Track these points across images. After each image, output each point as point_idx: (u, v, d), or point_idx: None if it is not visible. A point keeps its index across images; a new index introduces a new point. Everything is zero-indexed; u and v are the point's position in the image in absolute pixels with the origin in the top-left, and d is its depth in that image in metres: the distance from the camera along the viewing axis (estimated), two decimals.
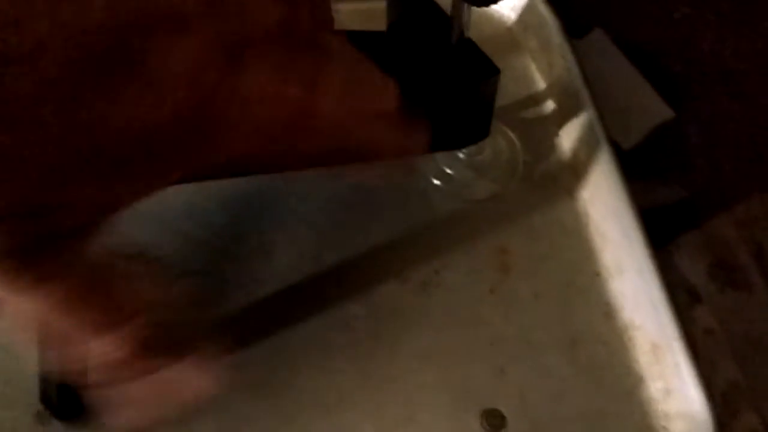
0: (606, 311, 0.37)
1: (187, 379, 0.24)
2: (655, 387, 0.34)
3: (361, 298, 0.36)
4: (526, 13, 0.45)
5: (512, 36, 0.46)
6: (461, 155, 0.40)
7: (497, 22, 0.47)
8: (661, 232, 1.15)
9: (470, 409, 0.33)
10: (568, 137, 0.42)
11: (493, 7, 0.46)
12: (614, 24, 1.19)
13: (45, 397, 0.31)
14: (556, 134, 0.42)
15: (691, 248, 1.17)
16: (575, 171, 0.41)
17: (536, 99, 0.44)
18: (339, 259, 0.37)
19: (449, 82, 0.35)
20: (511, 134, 0.41)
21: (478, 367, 0.34)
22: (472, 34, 0.35)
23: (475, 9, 0.34)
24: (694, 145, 1.21)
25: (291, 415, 0.32)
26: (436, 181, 0.39)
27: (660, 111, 1.12)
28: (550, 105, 0.43)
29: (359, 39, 0.37)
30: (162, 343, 0.23)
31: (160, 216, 0.37)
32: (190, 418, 0.32)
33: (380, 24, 0.37)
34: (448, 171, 0.40)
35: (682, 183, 1.18)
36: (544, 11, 0.44)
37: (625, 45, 1.16)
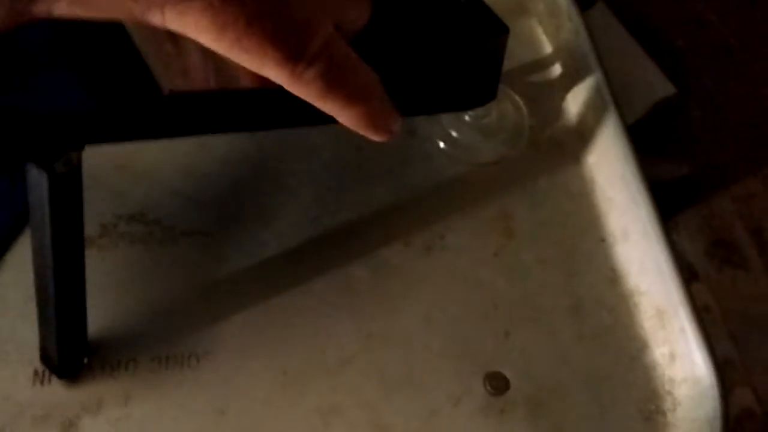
0: (611, 277, 0.36)
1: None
2: (660, 352, 0.34)
3: (365, 261, 0.35)
4: None
5: (521, 0, 0.45)
6: (467, 118, 0.39)
7: None
8: (661, 209, 1.15)
9: (474, 372, 0.33)
10: (574, 101, 0.41)
11: None
12: None
13: (45, 356, 0.31)
14: (563, 98, 0.41)
15: (690, 226, 1.17)
16: (582, 135, 0.40)
17: (543, 63, 0.43)
18: (341, 221, 0.36)
19: (457, 40, 0.34)
20: (518, 98, 0.41)
21: (481, 330, 0.34)
22: None
23: None
24: (695, 121, 1.20)
25: (293, 374, 0.32)
26: (441, 144, 0.39)
27: (662, 86, 1.12)
28: (557, 69, 0.43)
29: None
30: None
31: (161, 177, 0.36)
32: (191, 375, 0.31)
33: None
34: (454, 134, 0.39)
35: (683, 159, 1.18)
36: None
37: (627, 19, 1.15)
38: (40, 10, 0.18)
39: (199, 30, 0.20)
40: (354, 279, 0.35)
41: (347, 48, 0.24)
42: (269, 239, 0.35)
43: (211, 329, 0.33)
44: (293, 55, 0.21)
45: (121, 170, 0.36)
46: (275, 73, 0.22)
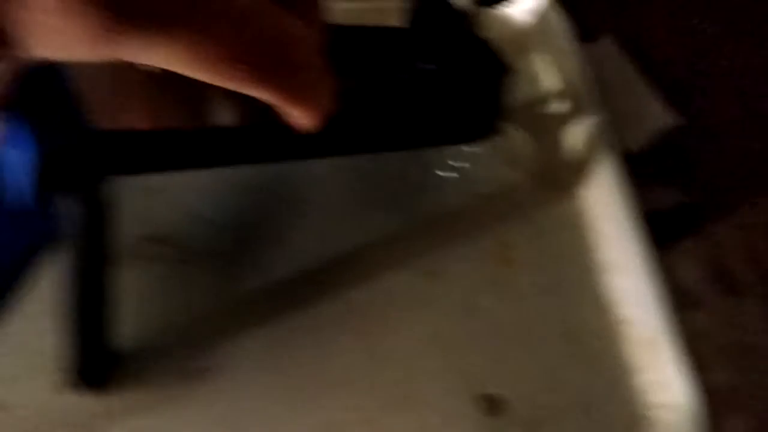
0: (602, 305, 0.38)
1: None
2: (647, 378, 0.36)
3: (369, 284, 0.37)
4: (538, 17, 0.47)
5: (524, 39, 0.48)
6: (470, 149, 0.41)
7: (510, 25, 0.48)
8: (662, 236, 1.16)
9: (468, 393, 0.35)
10: (573, 137, 0.43)
11: (506, 10, 0.48)
12: (624, 31, 1.20)
13: (69, 368, 0.33)
14: (563, 133, 0.44)
15: (691, 253, 1.18)
16: (579, 170, 0.42)
17: (545, 100, 0.45)
18: (349, 246, 0.39)
19: (462, 78, 0.36)
20: (519, 132, 0.43)
21: (477, 353, 0.36)
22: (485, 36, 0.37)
23: (489, 10, 0.36)
24: (698, 150, 1.22)
25: (299, 391, 0.34)
26: (443, 174, 0.41)
27: (665, 116, 1.14)
28: (558, 106, 0.45)
29: (376, 34, 0.39)
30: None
31: (180, 199, 0.39)
32: (204, 389, 0.33)
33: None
34: (457, 164, 0.41)
35: (685, 188, 1.19)
36: (556, 16, 0.46)
37: (631, 50, 1.18)
38: (22, 57, 0.19)
39: (180, 69, 0.20)
40: (359, 301, 0.37)
41: (324, 54, 0.23)
42: (280, 261, 0.38)
43: (225, 345, 0.35)
44: (275, 74, 0.21)
45: (143, 192, 0.38)
46: (254, 92, 0.22)
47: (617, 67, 1.13)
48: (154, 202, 0.38)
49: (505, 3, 0.34)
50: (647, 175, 1.15)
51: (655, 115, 1.12)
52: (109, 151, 0.27)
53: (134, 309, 0.35)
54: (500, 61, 0.37)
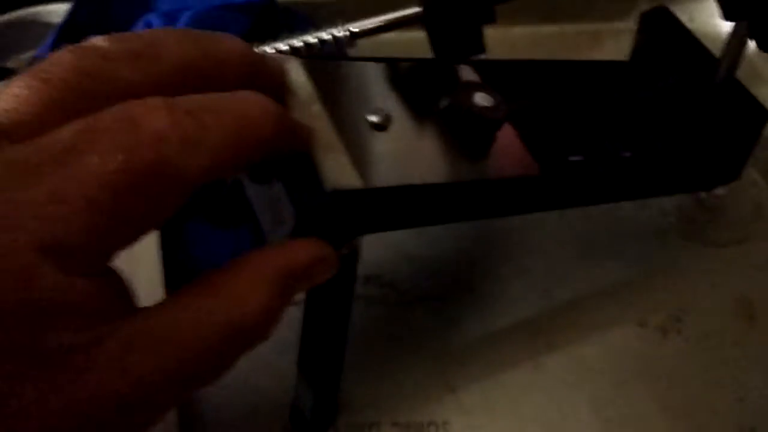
0: None
1: None
2: None
3: (598, 340, 0.35)
4: None
5: (752, 66, 0.43)
6: (703, 194, 0.38)
7: None
8: None
9: None
10: None
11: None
12: None
13: (295, 416, 0.32)
14: None
15: None
16: None
17: None
18: (572, 296, 0.36)
19: (712, 124, 0.33)
20: (755, 174, 0.39)
21: (725, 424, 0.33)
22: None
23: (710, 34, 0.33)
24: None
25: None
26: (675, 220, 0.38)
27: None
28: None
29: (596, 68, 0.36)
30: None
31: (394, 240, 0.37)
32: None
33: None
34: (689, 210, 0.38)
35: None
36: None
37: None
38: None
39: None
40: (587, 359, 0.34)
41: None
42: (501, 309, 0.36)
43: (448, 398, 0.33)
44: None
45: None
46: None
47: None
48: (366, 241, 0.37)
49: None
50: None
51: None
52: (361, 208, 0.26)
53: (353, 354, 0.34)
54: (759, 104, 0.33)
